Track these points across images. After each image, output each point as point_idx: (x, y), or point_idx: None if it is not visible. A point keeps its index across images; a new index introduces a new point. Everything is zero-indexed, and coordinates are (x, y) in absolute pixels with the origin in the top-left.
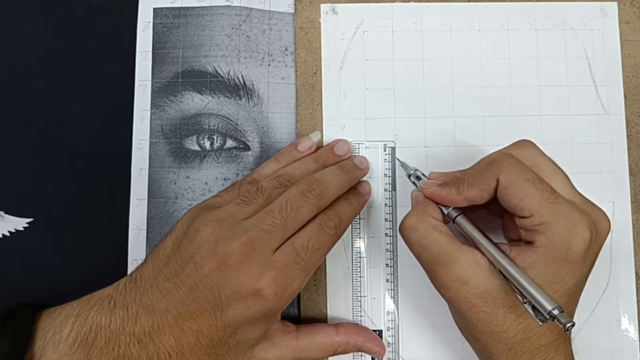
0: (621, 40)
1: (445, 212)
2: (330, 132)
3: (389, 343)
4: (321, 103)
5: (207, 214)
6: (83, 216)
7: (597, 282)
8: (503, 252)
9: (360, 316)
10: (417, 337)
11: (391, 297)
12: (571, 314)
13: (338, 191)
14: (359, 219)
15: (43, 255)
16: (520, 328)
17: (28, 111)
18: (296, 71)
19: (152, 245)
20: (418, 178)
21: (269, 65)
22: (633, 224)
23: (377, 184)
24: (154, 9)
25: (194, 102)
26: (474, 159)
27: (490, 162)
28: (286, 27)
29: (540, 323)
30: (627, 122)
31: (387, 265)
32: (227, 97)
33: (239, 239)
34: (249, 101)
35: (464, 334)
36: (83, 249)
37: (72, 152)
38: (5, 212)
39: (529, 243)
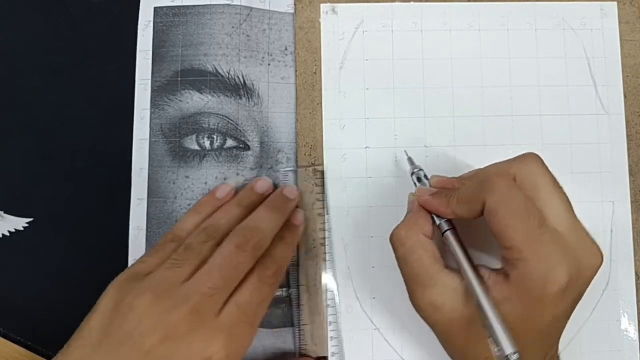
0: (621, 40)
1: (438, 222)
2: (330, 132)
3: (333, 354)
4: (321, 103)
5: (137, 285)
6: (83, 216)
7: (597, 282)
8: (481, 279)
9: (305, 344)
10: (418, 337)
11: (330, 323)
12: (550, 347)
13: (274, 234)
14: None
15: (43, 255)
16: (490, 355)
17: (28, 111)
18: (296, 71)
19: (152, 245)
20: (419, 180)
21: (269, 65)
22: (633, 224)
23: (311, 209)
24: (155, 8)
25: (193, 101)
26: (474, 159)
27: (483, 181)
28: (286, 27)
29: None
30: (627, 122)
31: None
32: (227, 96)
33: (182, 308)
34: (249, 101)
35: (442, 346)
36: (83, 249)
37: (72, 152)
38: (5, 212)
39: (506, 275)
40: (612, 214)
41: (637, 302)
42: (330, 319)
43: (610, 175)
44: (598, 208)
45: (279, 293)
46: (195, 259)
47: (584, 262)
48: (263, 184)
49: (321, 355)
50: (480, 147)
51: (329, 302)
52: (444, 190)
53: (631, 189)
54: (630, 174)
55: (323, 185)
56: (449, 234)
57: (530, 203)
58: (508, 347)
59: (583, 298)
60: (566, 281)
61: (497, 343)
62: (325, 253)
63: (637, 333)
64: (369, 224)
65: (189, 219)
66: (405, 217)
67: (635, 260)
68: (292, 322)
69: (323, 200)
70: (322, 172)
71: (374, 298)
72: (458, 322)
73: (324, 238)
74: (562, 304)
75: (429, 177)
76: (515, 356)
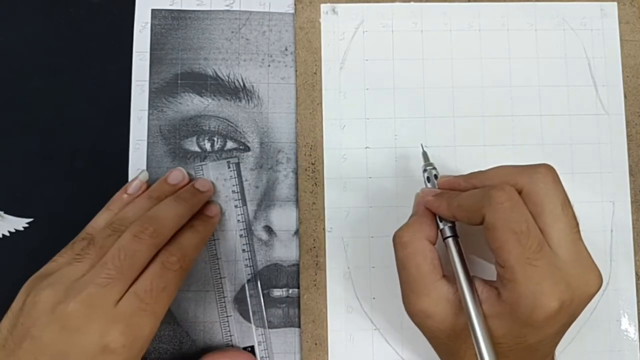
0: (621, 40)
1: (441, 227)
2: (330, 132)
3: (262, 357)
4: (321, 103)
5: (41, 283)
6: (83, 216)
7: None
8: (474, 292)
9: (231, 336)
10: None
11: (252, 296)
12: (544, 357)
13: (177, 223)
14: (213, 239)
15: (43, 255)
16: None
17: (28, 111)
18: (296, 71)
19: None
20: (428, 179)
21: (269, 66)
22: (633, 224)
23: (226, 202)
24: (152, 10)
25: (193, 103)
26: (474, 159)
27: (485, 194)
28: (286, 28)
29: None
30: (627, 122)
31: (248, 281)
32: (227, 99)
33: (77, 300)
34: (248, 102)
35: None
36: None
37: (72, 152)
38: (5, 212)
39: (498, 292)
40: (612, 214)
41: (637, 302)
42: (254, 308)
43: (610, 175)
44: (598, 208)
45: (278, 293)
46: (96, 253)
47: (579, 288)
48: (176, 175)
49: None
50: (480, 147)
51: (251, 292)
52: (448, 192)
53: (631, 189)
54: (630, 174)
55: (239, 177)
56: (449, 242)
57: (531, 224)
58: None
59: None
60: (556, 308)
61: (479, 355)
62: (244, 244)
63: (637, 333)
64: (369, 224)
65: (101, 216)
66: (410, 218)
67: (635, 260)
68: (292, 322)
69: (239, 192)
70: (237, 164)
71: (374, 298)
72: (447, 332)
73: (242, 229)
74: (551, 328)
75: (439, 175)
76: None
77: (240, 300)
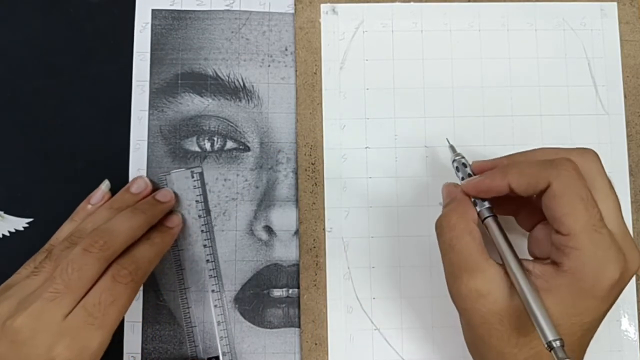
0: (621, 40)
1: (479, 209)
2: (330, 132)
3: (224, 353)
4: (321, 103)
5: (1, 297)
6: None
7: None
8: (523, 267)
9: (195, 346)
10: (418, 337)
11: (216, 307)
12: (585, 346)
13: (130, 235)
14: (177, 250)
15: None
16: (531, 353)
17: (28, 111)
18: (296, 71)
19: None
20: (464, 165)
21: (269, 66)
22: (633, 224)
23: (189, 212)
24: (153, 10)
25: (193, 103)
26: (474, 158)
27: (549, 162)
28: (286, 28)
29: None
30: (627, 122)
31: (212, 291)
32: (228, 99)
33: (25, 314)
34: (248, 102)
35: (471, 349)
36: None
37: (72, 152)
38: (5, 212)
39: (555, 264)
40: None
41: (637, 302)
42: (218, 318)
43: (610, 175)
44: None
45: (278, 293)
46: (51, 266)
47: (629, 262)
48: (139, 184)
49: (213, 355)
50: (480, 147)
51: (213, 288)
52: (495, 169)
53: (631, 189)
54: (630, 174)
55: (202, 186)
56: (489, 221)
57: (592, 195)
58: (551, 334)
59: None
60: (617, 277)
61: (538, 329)
62: (208, 254)
63: (637, 333)
64: (368, 223)
65: (65, 227)
66: (448, 205)
67: None
68: (292, 322)
69: (202, 202)
70: (201, 174)
71: (374, 298)
72: (500, 315)
73: (206, 239)
74: (608, 301)
75: (468, 165)
76: (558, 343)
77: (240, 300)
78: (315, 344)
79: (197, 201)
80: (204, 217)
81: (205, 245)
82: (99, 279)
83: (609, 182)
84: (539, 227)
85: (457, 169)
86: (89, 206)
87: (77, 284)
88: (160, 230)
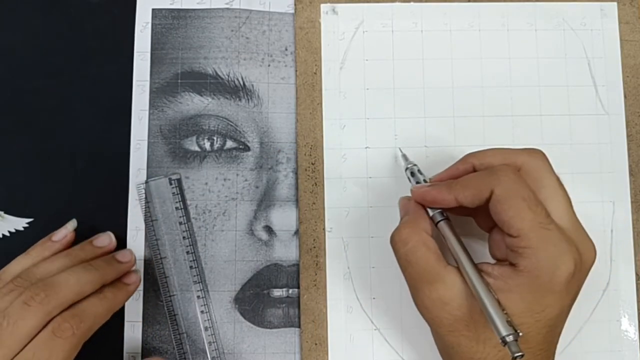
0: (621, 40)
1: (431, 213)
2: (330, 132)
3: (213, 357)
4: (321, 103)
5: None
6: (82, 216)
7: (597, 282)
8: (475, 266)
9: (184, 352)
10: (418, 337)
11: (203, 312)
12: (554, 343)
13: (78, 291)
14: (160, 257)
15: None
16: (500, 355)
17: (28, 111)
18: (296, 71)
19: (150, 245)
20: (412, 174)
21: (268, 65)
22: (633, 224)
23: (170, 218)
24: (153, 9)
25: (193, 103)
26: None
27: (489, 171)
28: (286, 27)
29: (512, 358)
30: (627, 122)
31: (198, 297)
32: (227, 98)
33: None
34: (248, 102)
35: (443, 357)
36: None
37: (72, 152)
38: (5, 212)
39: (512, 265)
40: (612, 214)
41: (637, 302)
42: (205, 324)
43: (610, 175)
44: (598, 208)
45: (278, 293)
46: None
47: (584, 253)
48: (103, 239)
49: None
50: (480, 147)
51: (198, 294)
52: (444, 181)
53: (631, 189)
54: (630, 174)
55: (181, 193)
56: (442, 224)
57: (535, 195)
58: (504, 329)
59: (583, 298)
60: (572, 269)
61: (492, 326)
62: (191, 260)
63: (637, 333)
64: (369, 224)
65: (19, 261)
66: (403, 219)
67: (635, 260)
68: (292, 322)
69: (182, 209)
70: (179, 180)
71: (374, 298)
72: (465, 320)
73: (188, 245)
74: (569, 294)
75: (425, 174)
76: (511, 337)
77: (240, 300)
78: (315, 344)
79: (176, 208)
80: (184, 223)
81: (187, 252)
82: (38, 333)
83: (557, 179)
84: (496, 230)
85: (409, 178)
86: (49, 243)
87: (11, 340)
88: (114, 286)
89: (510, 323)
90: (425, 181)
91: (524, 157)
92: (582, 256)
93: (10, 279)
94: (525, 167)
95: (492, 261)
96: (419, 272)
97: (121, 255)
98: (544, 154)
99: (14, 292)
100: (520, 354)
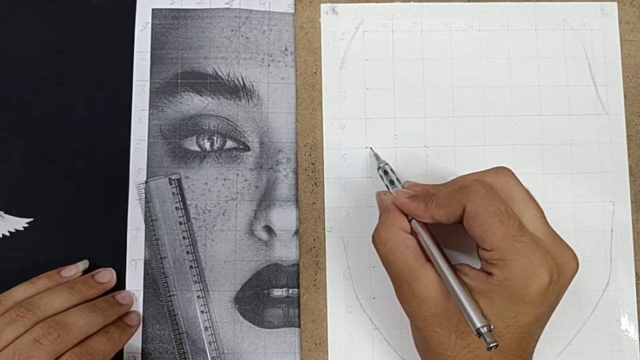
0: (621, 40)
1: (409, 218)
2: (330, 132)
3: (213, 357)
4: (321, 103)
5: None
6: (82, 216)
7: (597, 282)
8: (451, 265)
9: (184, 352)
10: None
11: (203, 312)
12: (529, 349)
13: (85, 331)
14: (160, 257)
15: (43, 255)
16: (469, 357)
17: (28, 111)
18: (296, 71)
19: (150, 245)
20: (385, 172)
21: (268, 65)
22: (633, 224)
23: (170, 218)
24: (153, 9)
25: (193, 103)
26: (474, 159)
27: (462, 188)
28: (286, 27)
29: (487, 348)
30: (627, 122)
31: (198, 297)
32: (227, 98)
33: None
34: (248, 102)
35: (419, 350)
36: (82, 249)
37: (72, 152)
38: (5, 212)
39: (488, 273)
40: (612, 214)
41: (637, 302)
42: (205, 324)
43: (610, 175)
44: (598, 208)
45: (278, 293)
46: None
47: (563, 264)
48: (105, 275)
49: None
50: (480, 147)
51: (198, 294)
52: (422, 195)
53: (631, 189)
54: (630, 174)
55: (181, 193)
56: (415, 222)
57: (508, 207)
58: (479, 321)
59: (583, 298)
60: (547, 280)
61: (467, 318)
62: (191, 260)
63: (637, 333)
64: (368, 224)
65: (22, 288)
66: (381, 217)
67: (635, 260)
68: (292, 322)
69: (182, 209)
70: (179, 180)
71: (374, 298)
72: (439, 318)
73: (188, 245)
74: (543, 304)
75: (398, 178)
76: (485, 329)
77: (240, 300)
78: (315, 344)
79: (176, 208)
80: (184, 223)
81: (187, 252)
82: None
83: (527, 192)
84: None
85: (382, 176)
86: (57, 276)
87: None
88: (119, 327)
89: (485, 316)
90: (398, 180)
91: (491, 176)
92: (559, 267)
93: (11, 306)
94: (495, 184)
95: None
96: (398, 271)
97: (121, 298)
98: (510, 171)
99: (18, 323)
100: (494, 344)
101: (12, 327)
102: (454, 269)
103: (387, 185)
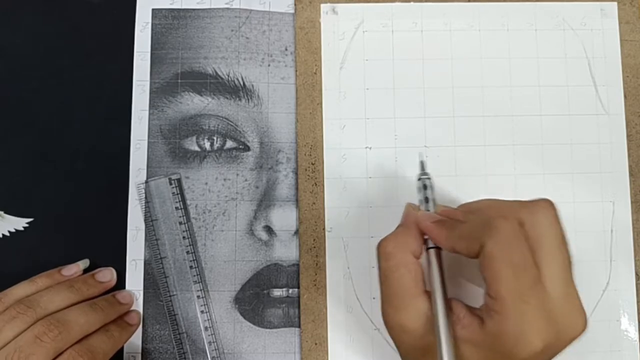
0: (621, 40)
1: (426, 236)
2: (330, 132)
3: (213, 357)
4: (321, 103)
5: None
6: (83, 216)
7: (597, 282)
8: (447, 309)
9: (184, 352)
10: None
11: (203, 312)
12: None
13: (85, 330)
14: (160, 257)
15: (43, 255)
16: None
17: (28, 111)
18: (296, 71)
19: (150, 245)
20: (425, 187)
21: (268, 65)
22: (633, 224)
23: (170, 218)
24: (153, 9)
25: (193, 103)
26: (474, 159)
27: (486, 223)
28: (286, 27)
29: None
30: (627, 122)
31: (198, 297)
32: (227, 98)
33: None
34: (248, 102)
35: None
36: (82, 249)
37: (72, 152)
38: (5, 212)
39: (481, 320)
40: (612, 214)
41: (637, 302)
42: (205, 324)
43: (610, 175)
44: (598, 208)
45: (278, 293)
46: None
47: (565, 330)
48: (105, 274)
49: None
50: (480, 147)
51: (198, 294)
52: (448, 221)
53: (631, 189)
54: (630, 174)
55: (181, 193)
56: (431, 253)
57: (528, 259)
58: None
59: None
60: (540, 348)
61: None
62: (191, 260)
63: (637, 333)
64: (368, 224)
65: (22, 286)
66: (397, 228)
67: (635, 260)
68: (292, 322)
69: (182, 209)
70: (179, 180)
71: (374, 298)
72: (423, 350)
73: (188, 245)
74: None
75: (434, 198)
76: None
77: (240, 300)
78: (315, 344)
79: (176, 208)
80: (184, 223)
81: (187, 252)
82: None
83: (561, 237)
84: None
85: (418, 188)
86: (57, 274)
87: None
88: (119, 325)
89: None
90: (433, 200)
91: (526, 212)
92: (560, 332)
93: (12, 303)
94: (527, 224)
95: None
96: (391, 293)
97: (122, 297)
98: (550, 207)
99: (19, 320)
100: None
101: (12, 324)
102: (447, 312)
103: (420, 200)
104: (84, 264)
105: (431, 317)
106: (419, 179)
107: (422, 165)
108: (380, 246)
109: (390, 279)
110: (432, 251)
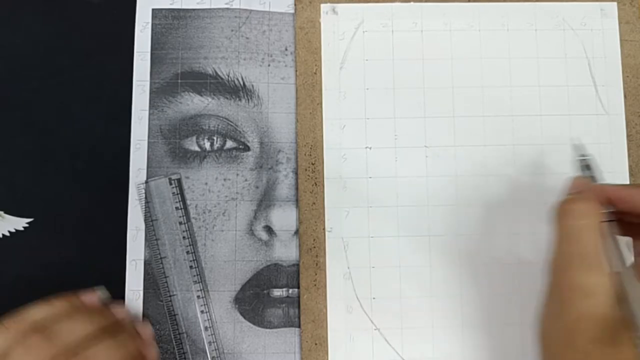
0: (621, 40)
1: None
2: (330, 132)
3: (213, 357)
4: (321, 103)
5: None
6: (83, 216)
7: None
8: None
9: (184, 352)
10: (418, 337)
11: (203, 312)
12: None
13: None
14: (160, 257)
15: (43, 255)
16: None
17: (28, 111)
18: (296, 71)
19: (150, 245)
20: (588, 167)
21: (268, 65)
22: None
23: (170, 218)
24: (153, 9)
25: (193, 103)
26: (474, 159)
27: None
28: (286, 28)
29: None
30: (627, 122)
31: (198, 297)
32: (227, 98)
33: None
34: (248, 102)
35: (545, 337)
36: (82, 249)
37: (72, 152)
38: (5, 212)
39: None
40: None
41: None
42: (205, 324)
43: (610, 176)
44: None
45: (278, 293)
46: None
47: None
48: (122, 311)
49: None
50: (480, 147)
51: (198, 294)
52: (635, 184)
53: None
54: (630, 174)
55: (181, 193)
56: (612, 224)
57: None
58: None
59: None
60: None
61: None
62: (191, 260)
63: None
64: (369, 224)
65: (41, 309)
66: (578, 194)
67: None
68: (292, 322)
69: (182, 209)
70: (179, 180)
71: (374, 298)
72: (595, 319)
73: (188, 245)
74: None
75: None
76: None
77: (240, 300)
78: (315, 344)
79: (176, 208)
80: (184, 223)
81: (187, 252)
82: None
83: None
84: None
85: (582, 168)
86: (76, 300)
87: None
88: None
89: None
90: (592, 177)
91: None
92: None
93: (29, 327)
94: None
95: None
96: (576, 252)
97: (142, 330)
98: None
99: (39, 350)
100: None
101: (32, 354)
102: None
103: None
104: (104, 294)
105: (611, 288)
106: (581, 161)
107: (581, 147)
108: (569, 204)
109: (577, 237)
110: (612, 224)
